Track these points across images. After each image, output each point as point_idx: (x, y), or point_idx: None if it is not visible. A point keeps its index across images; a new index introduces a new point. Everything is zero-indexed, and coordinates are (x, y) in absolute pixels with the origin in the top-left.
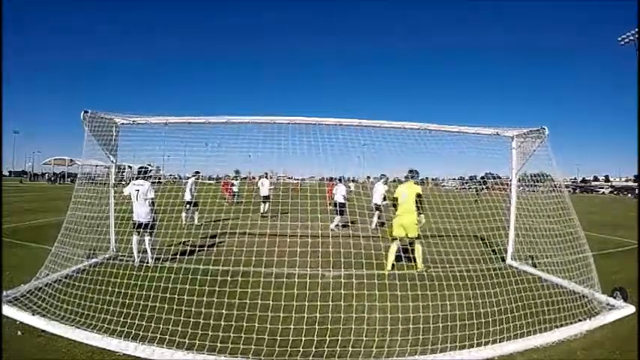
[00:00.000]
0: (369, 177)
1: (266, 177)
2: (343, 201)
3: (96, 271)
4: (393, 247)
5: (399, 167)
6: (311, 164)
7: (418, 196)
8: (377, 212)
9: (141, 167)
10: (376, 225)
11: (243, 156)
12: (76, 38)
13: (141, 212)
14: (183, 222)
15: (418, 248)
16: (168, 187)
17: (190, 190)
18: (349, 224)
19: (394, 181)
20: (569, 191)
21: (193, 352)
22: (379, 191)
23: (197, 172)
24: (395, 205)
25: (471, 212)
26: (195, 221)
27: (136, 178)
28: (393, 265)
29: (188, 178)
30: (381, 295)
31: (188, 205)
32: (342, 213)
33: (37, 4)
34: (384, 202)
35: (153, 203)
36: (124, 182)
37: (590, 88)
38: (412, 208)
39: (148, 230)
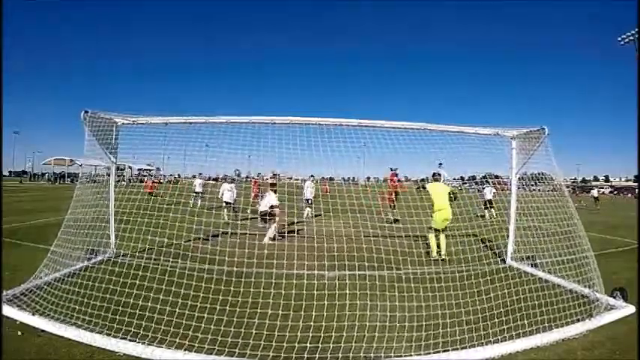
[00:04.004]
0: (368, 177)
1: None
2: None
3: (96, 271)
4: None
5: (399, 167)
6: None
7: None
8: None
9: (142, 169)
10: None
11: (243, 156)
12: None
13: (229, 197)
14: (306, 215)
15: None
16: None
17: (309, 189)
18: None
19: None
20: (569, 191)
21: (193, 352)
22: (489, 192)
23: (312, 176)
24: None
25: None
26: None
27: (226, 182)
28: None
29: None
30: (381, 294)
31: (307, 202)
32: None
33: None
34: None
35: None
36: (124, 181)
37: (590, 88)
38: None
39: (233, 207)
